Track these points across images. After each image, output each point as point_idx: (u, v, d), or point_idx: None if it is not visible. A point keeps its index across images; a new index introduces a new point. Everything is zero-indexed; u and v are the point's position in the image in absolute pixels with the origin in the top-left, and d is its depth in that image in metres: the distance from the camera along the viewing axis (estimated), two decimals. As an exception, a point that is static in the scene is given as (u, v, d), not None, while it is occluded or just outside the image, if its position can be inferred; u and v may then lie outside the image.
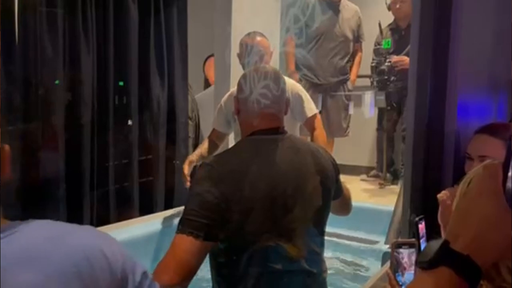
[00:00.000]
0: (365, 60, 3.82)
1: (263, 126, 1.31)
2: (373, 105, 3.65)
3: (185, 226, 1.16)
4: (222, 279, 1.30)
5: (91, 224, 2.54)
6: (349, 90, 3.75)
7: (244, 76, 1.36)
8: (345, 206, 1.59)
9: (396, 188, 3.43)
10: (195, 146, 3.47)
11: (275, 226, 1.24)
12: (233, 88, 1.82)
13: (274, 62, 3.56)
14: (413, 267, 1.10)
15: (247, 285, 1.24)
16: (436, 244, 0.52)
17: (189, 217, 1.17)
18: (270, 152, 1.28)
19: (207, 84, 3.89)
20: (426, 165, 1.46)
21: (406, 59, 3.35)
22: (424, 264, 0.51)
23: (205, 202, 1.18)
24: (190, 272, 1.14)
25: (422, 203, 1.41)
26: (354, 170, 4.08)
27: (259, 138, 1.31)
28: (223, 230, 1.20)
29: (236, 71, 3.16)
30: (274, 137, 1.31)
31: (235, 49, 3.25)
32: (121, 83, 2.80)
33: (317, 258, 1.34)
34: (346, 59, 3.72)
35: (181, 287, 1.13)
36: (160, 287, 0.90)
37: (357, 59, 3.80)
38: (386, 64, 3.50)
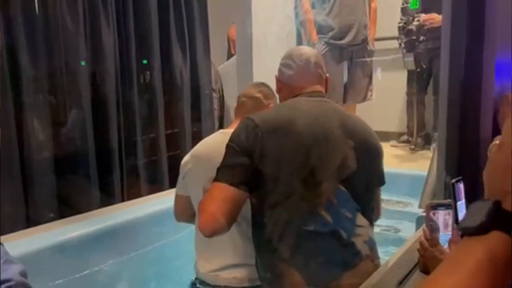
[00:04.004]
0: (392, 20, 3.66)
1: (305, 90, 1.38)
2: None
3: (221, 174, 1.22)
4: (258, 236, 1.33)
5: (122, 198, 2.60)
6: (371, 50, 3.58)
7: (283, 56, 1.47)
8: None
9: (428, 153, 3.35)
10: (220, 118, 3.47)
11: (305, 185, 1.26)
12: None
13: (290, 34, 3.49)
14: (449, 228, 1.07)
15: (277, 243, 1.27)
16: (481, 206, 0.45)
17: (226, 166, 1.23)
18: (310, 111, 1.32)
19: (229, 54, 3.85)
20: (462, 126, 1.40)
21: (436, 16, 3.19)
22: (472, 230, 0.44)
23: (240, 153, 1.23)
24: (231, 218, 1.21)
25: (458, 164, 1.36)
26: (384, 136, 3.98)
27: (301, 98, 1.36)
28: (257, 181, 1.23)
29: (258, 41, 3.11)
30: (315, 99, 1.37)
31: (256, 18, 3.19)
32: (144, 61, 2.79)
33: (347, 223, 1.31)
34: (367, 14, 3.50)
35: (223, 232, 1.22)
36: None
37: (372, 15, 3.54)
38: (414, 23, 3.35)
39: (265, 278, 1.33)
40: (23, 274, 0.66)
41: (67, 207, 2.27)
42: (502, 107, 1.20)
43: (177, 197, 1.63)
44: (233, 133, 1.28)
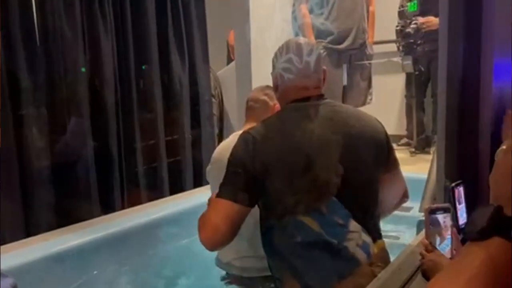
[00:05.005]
0: (390, 24, 3.66)
1: (300, 96, 1.34)
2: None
3: (222, 190, 1.25)
4: (267, 246, 1.36)
5: (123, 205, 2.59)
6: (370, 54, 3.57)
7: (277, 51, 1.41)
8: (391, 195, 1.51)
9: (428, 155, 3.34)
10: (220, 123, 3.47)
11: (305, 193, 1.25)
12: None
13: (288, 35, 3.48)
14: (448, 232, 1.07)
15: (281, 253, 1.30)
16: (485, 211, 0.45)
17: (226, 182, 1.26)
18: (307, 118, 1.30)
19: (229, 59, 3.85)
20: (461, 130, 1.39)
21: (433, 19, 3.20)
22: (474, 235, 0.45)
23: (238, 168, 1.25)
24: (232, 231, 1.25)
25: (457, 168, 1.36)
26: (383, 139, 3.98)
27: (296, 105, 1.33)
28: (258, 193, 1.26)
29: (257, 46, 3.11)
30: (310, 104, 1.33)
31: (254, 23, 3.20)
32: (143, 68, 2.79)
33: (339, 230, 1.30)
34: (365, 18, 3.47)
35: (225, 245, 1.29)
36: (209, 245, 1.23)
37: (370, 19, 3.50)
38: (412, 26, 3.35)
39: (277, 279, 1.36)
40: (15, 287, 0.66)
41: (66, 216, 2.27)
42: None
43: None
44: (233, 148, 1.30)
